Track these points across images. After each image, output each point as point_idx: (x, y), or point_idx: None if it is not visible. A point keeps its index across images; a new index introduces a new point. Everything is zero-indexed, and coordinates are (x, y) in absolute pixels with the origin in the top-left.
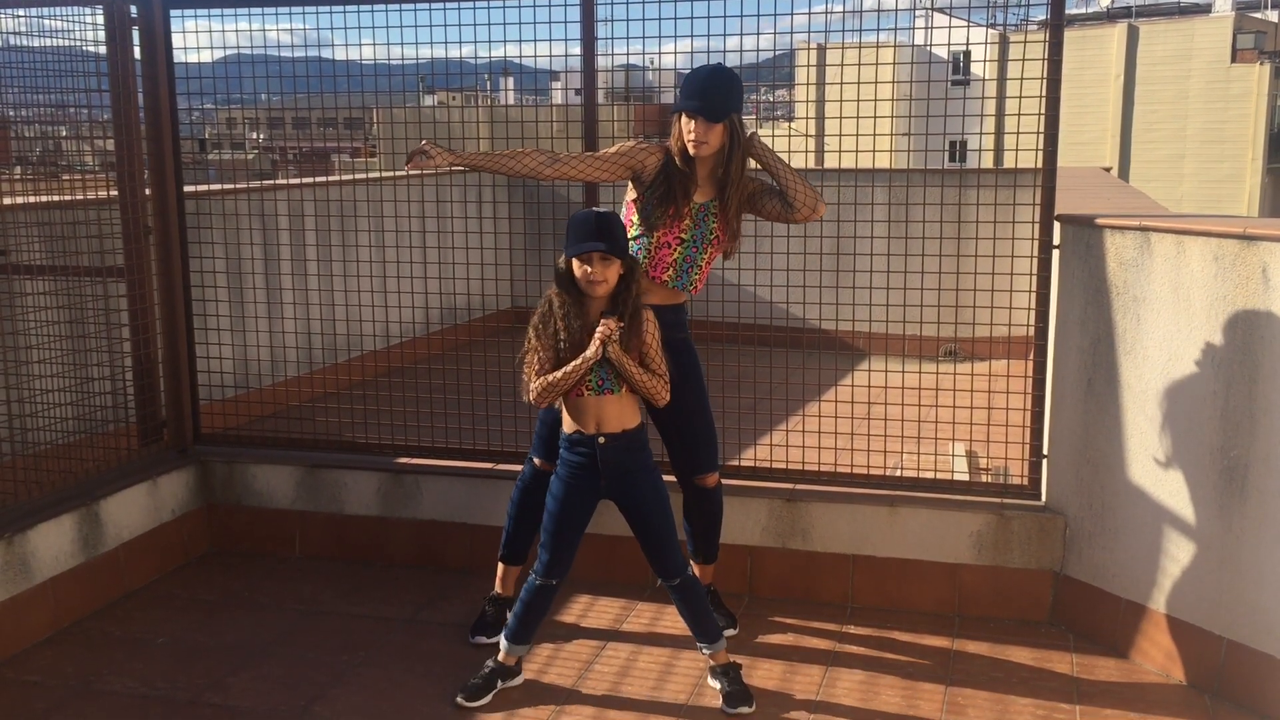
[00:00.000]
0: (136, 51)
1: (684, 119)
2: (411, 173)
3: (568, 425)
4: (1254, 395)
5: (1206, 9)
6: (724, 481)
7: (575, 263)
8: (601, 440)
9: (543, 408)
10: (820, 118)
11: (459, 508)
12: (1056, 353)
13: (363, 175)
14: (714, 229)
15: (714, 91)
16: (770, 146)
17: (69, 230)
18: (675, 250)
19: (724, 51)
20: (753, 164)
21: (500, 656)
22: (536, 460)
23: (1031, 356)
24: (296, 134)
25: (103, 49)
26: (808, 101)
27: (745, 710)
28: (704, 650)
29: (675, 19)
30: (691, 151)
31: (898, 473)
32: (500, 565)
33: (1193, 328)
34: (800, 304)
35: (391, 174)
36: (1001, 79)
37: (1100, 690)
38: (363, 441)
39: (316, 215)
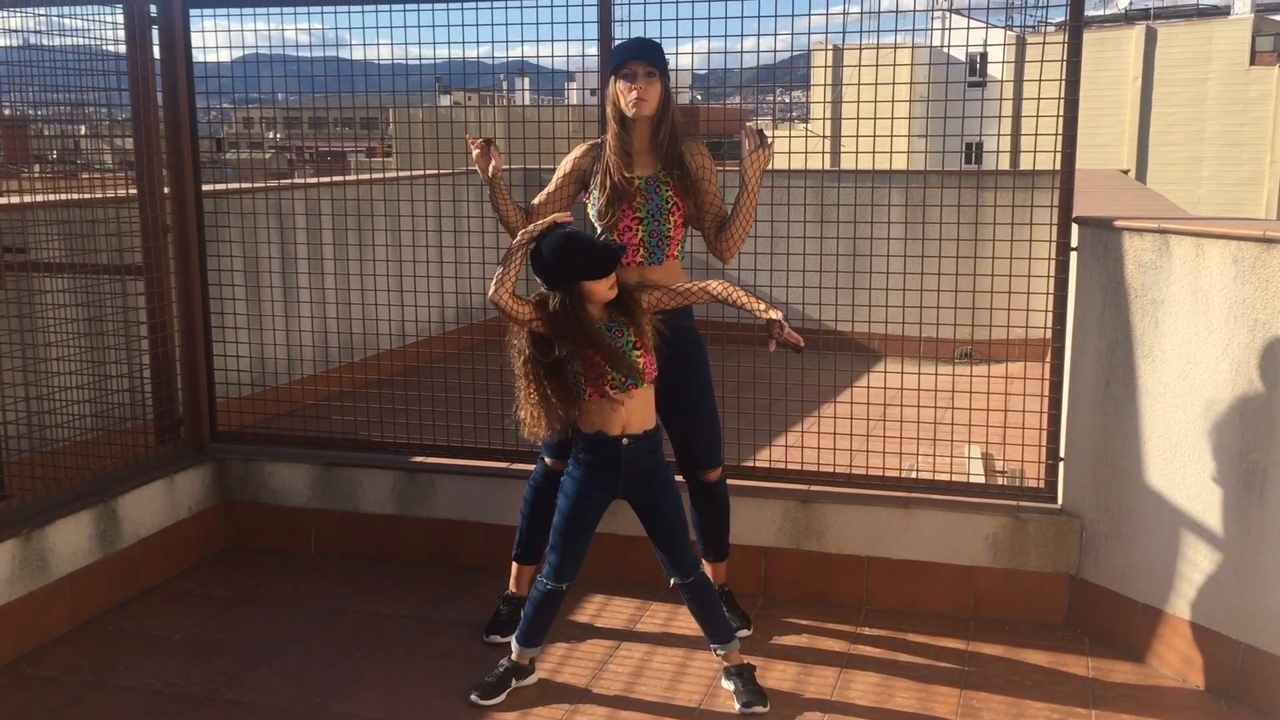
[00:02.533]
0: (156, 51)
1: (621, 83)
2: (473, 150)
3: (588, 425)
4: (1273, 399)
5: (1225, 11)
6: (740, 482)
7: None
8: (625, 441)
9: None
10: (836, 119)
11: (474, 507)
12: (1074, 355)
13: (379, 175)
14: (669, 196)
15: (651, 48)
16: (758, 180)
17: (88, 228)
18: (637, 231)
19: (741, 52)
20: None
21: (513, 656)
22: (548, 460)
23: (1048, 359)
24: (313, 133)
25: (122, 48)
26: (824, 103)
27: (760, 710)
28: (717, 651)
29: (692, 19)
30: (631, 112)
31: (913, 474)
32: (514, 565)
33: (1211, 331)
34: (816, 305)
35: (409, 173)
36: (1019, 80)
37: (1116, 694)
38: (378, 440)
39: (333, 214)
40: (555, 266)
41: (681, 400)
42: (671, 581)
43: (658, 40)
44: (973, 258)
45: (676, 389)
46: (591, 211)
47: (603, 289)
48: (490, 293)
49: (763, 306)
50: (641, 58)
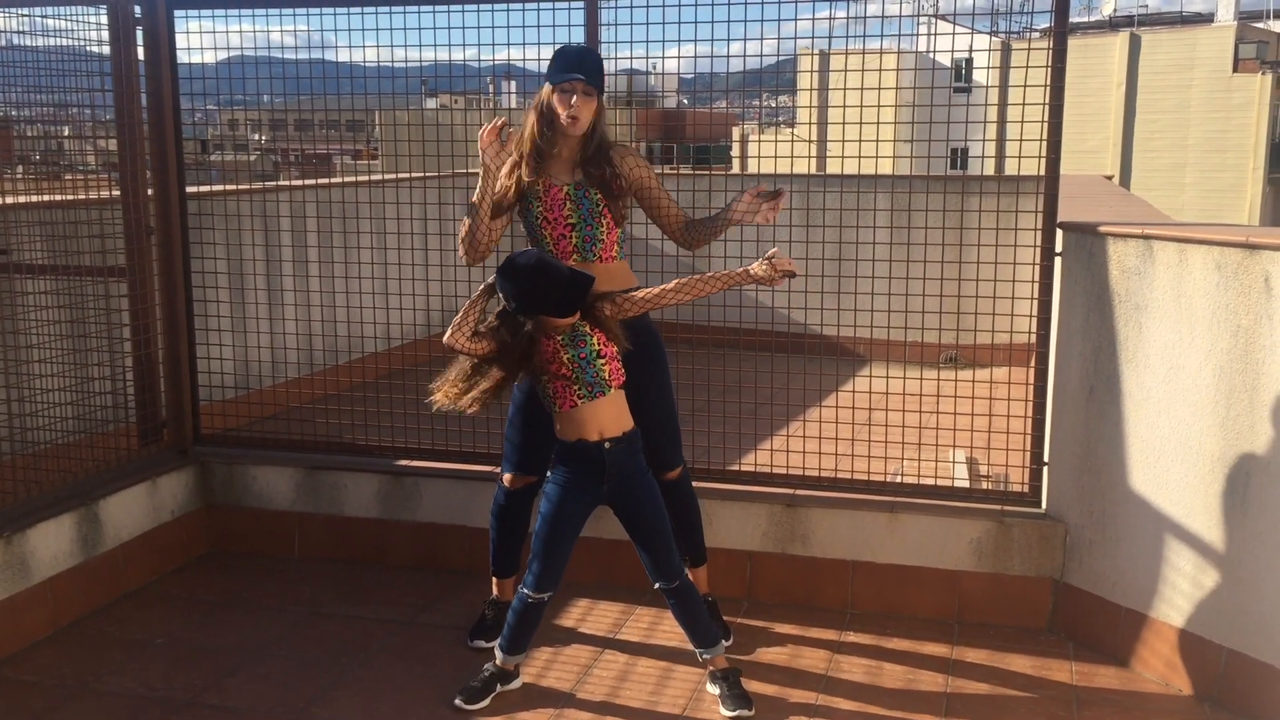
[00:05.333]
0: (140, 52)
1: (558, 96)
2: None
3: (568, 435)
4: (1255, 404)
5: (1209, 19)
6: (725, 486)
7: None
8: (608, 445)
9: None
10: (823, 124)
11: (458, 510)
12: (1058, 360)
13: (364, 177)
14: (598, 199)
15: (590, 63)
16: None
17: (71, 230)
18: (570, 238)
19: (727, 56)
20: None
21: (497, 662)
22: (507, 477)
23: (1033, 363)
24: (299, 136)
25: (106, 49)
26: (810, 107)
27: (745, 713)
28: (702, 655)
29: (679, 23)
30: (568, 130)
31: (898, 479)
32: (494, 578)
33: (1195, 336)
34: (801, 309)
35: (394, 176)
36: (1004, 86)
37: (1100, 699)
38: (362, 443)
39: (318, 217)
40: (522, 296)
41: (632, 396)
42: (656, 585)
43: (643, 41)
44: (958, 262)
45: (631, 387)
46: (524, 224)
47: (563, 321)
48: (446, 337)
49: (736, 275)
50: (581, 74)
